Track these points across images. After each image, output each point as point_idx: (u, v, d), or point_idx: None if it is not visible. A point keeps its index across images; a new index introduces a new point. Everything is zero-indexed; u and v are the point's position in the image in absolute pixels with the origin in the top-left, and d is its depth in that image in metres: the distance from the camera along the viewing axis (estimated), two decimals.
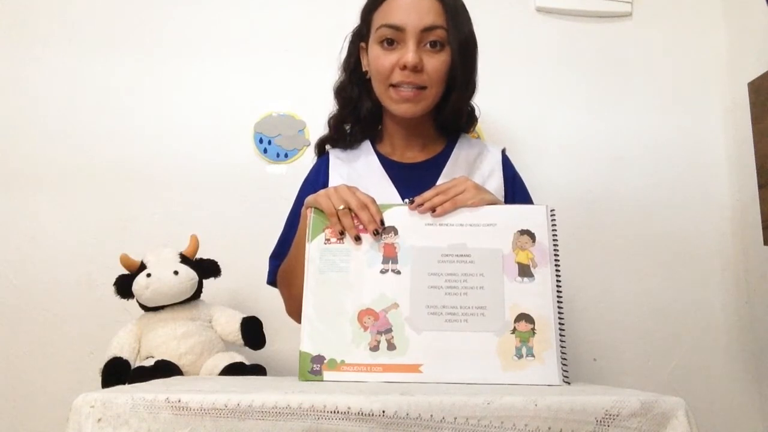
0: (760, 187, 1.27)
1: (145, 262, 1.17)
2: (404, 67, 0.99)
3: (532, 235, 0.86)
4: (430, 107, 1.06)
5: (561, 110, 1.55)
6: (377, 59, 1.02)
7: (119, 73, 1.49)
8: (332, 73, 1.16)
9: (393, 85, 1.02)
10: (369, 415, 0.60)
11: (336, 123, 1.14)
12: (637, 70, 1.58)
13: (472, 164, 1.11)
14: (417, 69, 1.00)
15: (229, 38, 1.52)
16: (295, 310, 1.00)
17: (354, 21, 1.12)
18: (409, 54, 0.99)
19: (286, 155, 1.49)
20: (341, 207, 0.88)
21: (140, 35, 1.51)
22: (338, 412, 0.60)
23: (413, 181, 1.06)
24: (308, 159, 1.45)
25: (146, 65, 1.50)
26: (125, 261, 1.16)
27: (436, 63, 1.01)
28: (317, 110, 1.29)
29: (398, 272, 0.85)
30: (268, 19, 1.53)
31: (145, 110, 1.48)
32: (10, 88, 1.47)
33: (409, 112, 1.04)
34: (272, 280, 1.12)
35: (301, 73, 1.51)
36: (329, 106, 1.16)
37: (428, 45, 1.00)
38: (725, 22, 1.59)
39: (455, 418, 0.60)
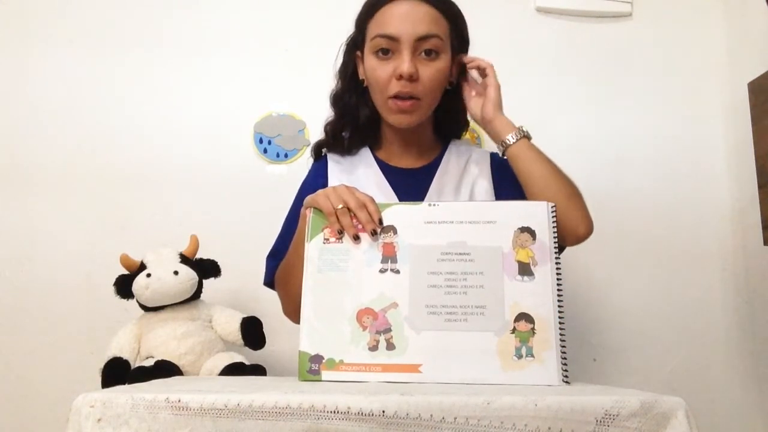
0: (760, 187, 1.27)
1: (145, 262, 1.17)
2: (400, 77, 1.00)
3: (532, 233, 0.85)
4: (425, 116, 1.07)
5: (561, 110, 1.55)
6: (374, 70, 1.03)
7: (119, 74, 1.49)
8: (332, 74, 1.15)
9: (391, 97, 1.02)
10: (369, 415, 0.60)
11: (333, 130, 1.14)
12: (637, 70, 1.58)
13: (463, 169, 1.11)
14: (413, 78, 1.00)
15: (229, 38, 1.52)
16: (292, 310, 0.99)
17: (353, 21, 1.12)
18: (404, 64, 0.99)
19: (286, 155, 1.48)
20: (339, 206, 0.87)
21: (140, 35, 1.51)
22: (338, 412, 0.60)
23: (409, 187, 1.07)
24: (308, 159, 1.45)
25: (146, 65, 1.50)
26: (125, 261, 1.16)
27: (431, 71, 1.01)
28: (317, 110, 1.28)
29: (397, 271, 0.85)
30: (268, 19, 1.53)
31: (145, 110, 1.48)
32: (10, 88, 1.47)
33: (404, 123, 1.05)
34: (270, 281, 1.11)
35: (301, 73, 1.51)
36: (329, 106, 1.16)
37: (423, 53, 1.01)
38: (725, 22, 1.59)
39: (455, 418, 0.60)
